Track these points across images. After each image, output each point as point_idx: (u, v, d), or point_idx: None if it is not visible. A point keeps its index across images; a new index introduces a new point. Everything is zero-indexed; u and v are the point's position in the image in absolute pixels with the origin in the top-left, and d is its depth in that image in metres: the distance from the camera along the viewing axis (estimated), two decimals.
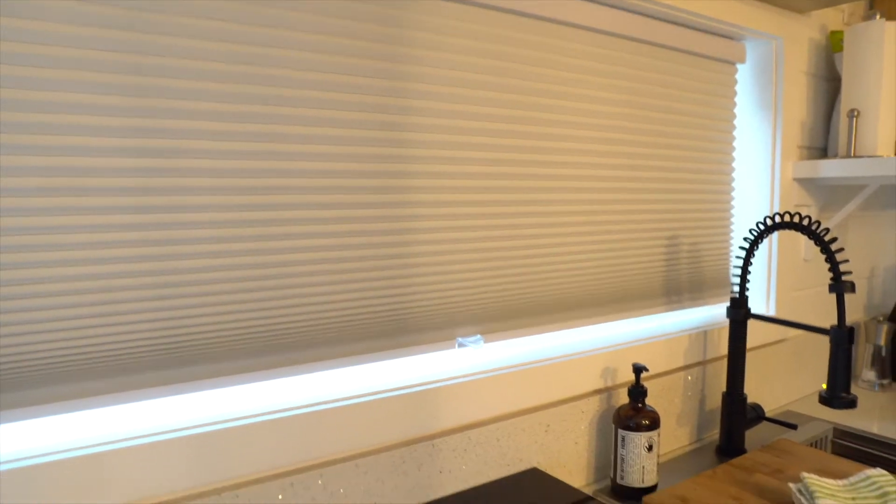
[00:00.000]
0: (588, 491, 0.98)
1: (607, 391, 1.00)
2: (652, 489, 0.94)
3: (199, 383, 0.71)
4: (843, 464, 1.00)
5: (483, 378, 0.86)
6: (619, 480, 0.94)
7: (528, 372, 0.90)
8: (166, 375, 0.69)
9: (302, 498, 0.74)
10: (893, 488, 0.84)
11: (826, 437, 1.25)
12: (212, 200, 0.69)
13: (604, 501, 0.94)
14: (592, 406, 0.99)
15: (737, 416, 1.07)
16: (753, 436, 1.19)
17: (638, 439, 0.91)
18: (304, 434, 0.74)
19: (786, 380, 1.36)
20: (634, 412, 0.93)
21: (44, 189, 0.61)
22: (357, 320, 0.80)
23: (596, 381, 0.98)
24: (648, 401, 1.06)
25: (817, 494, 0.83)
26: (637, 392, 0.93)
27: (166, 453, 0.66)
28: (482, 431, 0.87)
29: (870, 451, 1.22)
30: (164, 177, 0.66)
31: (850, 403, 0.91)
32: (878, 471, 0.87)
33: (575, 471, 0.98)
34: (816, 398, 1.41)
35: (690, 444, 1.15)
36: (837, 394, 0.90)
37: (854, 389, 1.47)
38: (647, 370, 0.93)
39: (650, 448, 0.92)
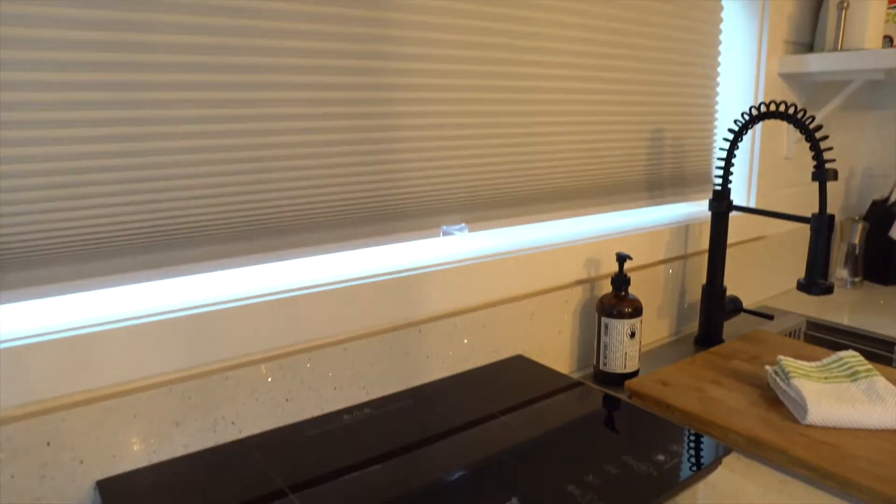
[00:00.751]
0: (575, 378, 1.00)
1: (590, 282, 1.01)
2: (633, 375, 0.96)
3: (185, 267, 0.70)
4: (817, 351, 1.03)
5: (468, 266, 0.86)
6: (601, 367, 0.96)
7: (512, 261, 0.91)
8: (154, 259, 0.68)
9: (290, 380, 0.75)
10: (863, 367, 0.87)
11: (800, 328, 1.29)
12: (191, 78, 0.66)
13: (591, 386, 0.96)
14: (576, 296, 1.00)
15: (716, 308, 1.10)
16: (730, 328, 1.22)
17: (621, 326, 0.93)
18: (291, 318, 0.73)
19: (763, 276, 1.39)
20: (617, 300, 0.94)
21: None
22: (341, 207, 0.78)
23: (579, 272, 0.99)
24: (631, 290, 1.07)
25: (792, 374, 0.86)
26: (620, 280, 0.94)
27: (155, 336, 0.66)
28: (468, 318, 0.88)
29: (840, 341, 1.26)
30: (141, 53, 0.63)
31: (828, 290, 0.93)
32: (850, 352, 0.90)
33: (559, 359, 1.00)
34: (791, 294, 1.45)
35: (670, 336, 1.18)
36: (815, 279, 0.92)
37: None
38: (630, 258, 0.94)
39: (633, 335, 0.93)
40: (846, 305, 1.38)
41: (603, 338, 0.95)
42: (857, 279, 1.50)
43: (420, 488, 0.60)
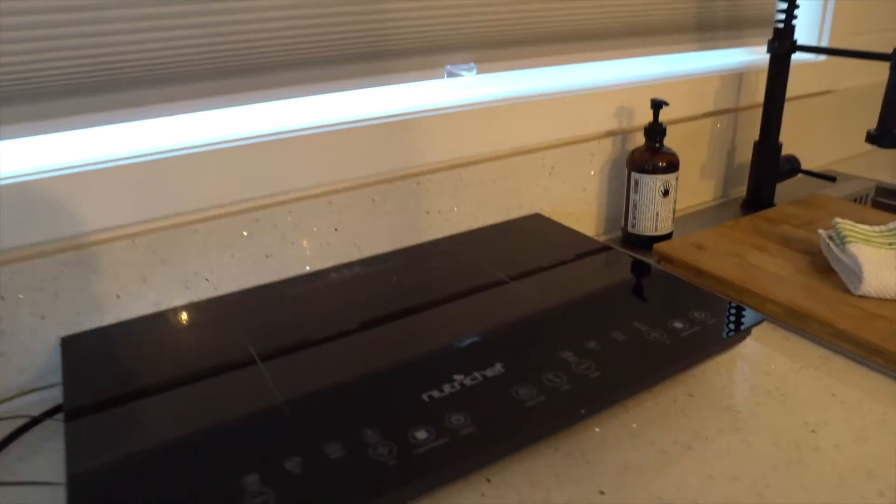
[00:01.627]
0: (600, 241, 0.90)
1: (622, 134, 0.89)
2: (665, 238, 0.86)
3: (150, 109, 0.62)
4: (884, 217, 0.90)
5: (476, 110, 0.75)
6: (630, 229, 0.86)
7: (528, 106, 0.79)
8: (115, 100, 0.60)
9: (270, 235, 0.68)
10: None
11: (867, 195, 1.15)
12: None
13: (618, 249, 0.86)
14: (604, 149, 0.88)
15: (768, 166, 0.96)
16: (785, 191, 1.08)
17: (652, 182, 0.81)
18: (268, 165, 0.65)
19: (829, 137, 1.23)
20: (651, 154, 0.82)
21: None
22: (331, 40, 0.67)
23: (609, 122, 0.87)
24: (671, 146, 0.94)
25: (849, 239, 0.74)
26: (654, 130, 0.82)
27: (110, 184, 0.59)
28: (475, 170, 0.78)
29: None
30: None
31: None
32: None
33: (583, 219, 0.90)
34: (862, 158, 1.28)
35: (714, 199, 1.06)
36: (891, 128, 0.77)
37: None
38: (666, 104, 0.81)
39: (666, 193, 0.82)
40: None
41: (632, 196, 0.84)
42: None
43: (399, 360, 0.54)
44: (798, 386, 0.59)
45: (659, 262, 0.82)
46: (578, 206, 0.88)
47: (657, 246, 0.81)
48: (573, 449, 0.52)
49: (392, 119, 0.70)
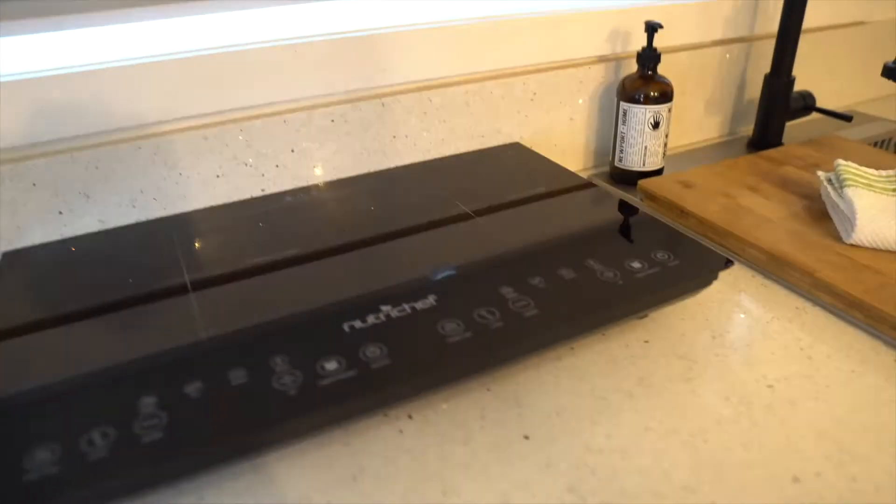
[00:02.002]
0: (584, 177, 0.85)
1: (616, 60, 0.83)
2: (655, 175, 0.80)
3: (90, 17, 0.58)
4: None
5: (450, 27, 0.70)
6: (617, 163, 0.81)
7: (509, 24, 0.73)
8: (50, 7, 0.56)
9: (219, 154, 0.64)
10: None
11: (890, 139, 1.06)
12: None
13: (600, 185, 0.81)
14: (595, 76, 0.82)
15: (777, 101, 0.89)
16: (798, 132, 1.01)
17: (641, 113, 0.76)
18: (217, 80, 0.61)
19: (857, 75, 1.13)
20: (642, 82, 0.76)
21: None
22: None
23: (600, 46, 0.80)
24: (673, 77, 0.88)
25: (848, 182, 0.68)
26: (647, 57, 0.75)
27: (57, 94, 0.56)
28: (446, 93, 0.73)
29: None
30: None
31: None
32: None
33: (569, 152, 0.84)
34: (892, 101, 1.19)
35: (721, 137, 0.99)
36: None
37: None
38: (661, 27, 0.74)
39: (656, 125, 0.76)
40: None
41: (620, 127, 0.78)
42: None
43: (331, 291, 0.51)
44: (765, 338, 0.55)
45: (642, 200, 0.77)
46: (565, 137, 0.83)
47: (641, 183, 0.76)
48: (507, 391, 0.49)
49: (356, 34, 0.66)
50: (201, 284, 0.52)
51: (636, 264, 0.53)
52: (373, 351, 0.43)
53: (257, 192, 0.68)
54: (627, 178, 0.80)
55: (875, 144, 1.04)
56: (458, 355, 0.43)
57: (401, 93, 0.70)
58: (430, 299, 0.49)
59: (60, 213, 0.61)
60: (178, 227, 0.60)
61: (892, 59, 0.71)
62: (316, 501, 0.40)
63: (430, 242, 0.57)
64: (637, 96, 0.75)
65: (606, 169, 0.87)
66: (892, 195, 0.68)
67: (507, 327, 0.46)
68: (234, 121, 0.64)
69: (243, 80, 0.62)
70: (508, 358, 0.46)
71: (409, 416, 0.47)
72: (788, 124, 1.03)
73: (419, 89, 0.71)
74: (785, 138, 0.94)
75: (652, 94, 0.75)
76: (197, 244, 0.58)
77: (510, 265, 0.53)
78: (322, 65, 0.65)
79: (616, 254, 0.54)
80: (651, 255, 0.54)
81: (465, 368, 0.45)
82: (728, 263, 0.54)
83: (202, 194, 0.65)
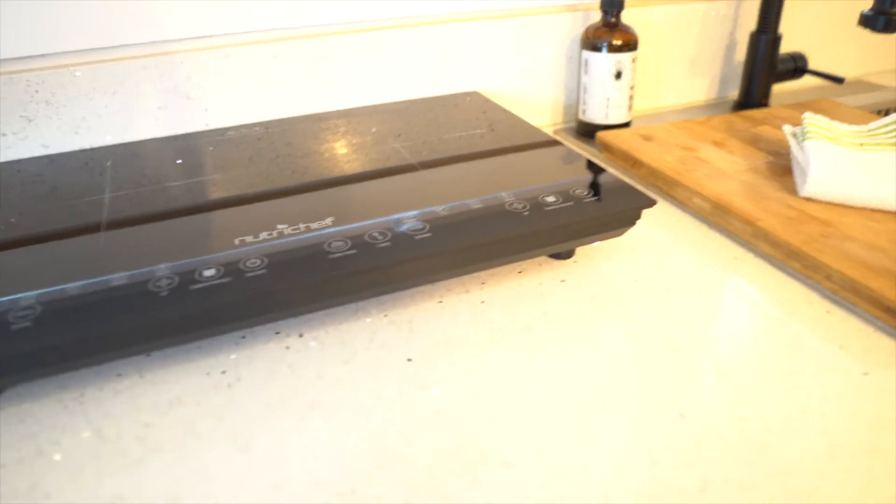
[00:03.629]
0: (548, 132, 0.83)
1: (585, 12, 0.80)
2: (620, 128, 0.78)
3: None
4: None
5: None
6: (581, 115, 0.79)
7: None
8: None
9: (159, 85, 0.64)
10: None
11: (891, 109, 1.01)
12: None
13: (562, 140, 0.79)
14: (562, 26, 0.80)
15: (763, 61, 0.85)
16: (792, 97, 0.97)
17: (603, 63, 0.73)
18: (155, 9, 0.61)
19: (867, 43, 1.07)
20: (606, 30, 0.73)
21: None
22: None
23: None
24: (652, 34, 0.85)
25: (810, 135, 0.65)
26: (610, 3, 0.73)
27: None
28: (398, 35, 0.72)
29: None
30: None
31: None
32: None
33: (534, 106, 0.82)
34: None
35: (707, 100, 0.95)
36: (886, 7, 0.66)
37: None
38: None
39: (619, 75, 0.74)
40: None
41: (583, 77, 0.76)
42: None
43: (239, 213, 0.50)
44: (693, 285, 0.52)
45: (601, 153, 0.75)
46: (529, 89, 0.81)
47: (600, 134, 0.74)
48: (403, 318, 0.48)
49: None
50: (118, 225, 0.51)
51: (550, 198, 0.51)
52: (253, 262, 0.43)
53: (201, 126, 0.68)
54: (590, 131, 0.78)
55: (878, 113, 0.99)
56: (337, 270, 0.43)
57: (348, 32, 0.69)
58: (328, 221, 0.48)
59: (4, 135, 0.62)
60: (115, 157, 0.61)
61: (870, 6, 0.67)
62: (186, 401, 0.40)
63: (362, 191, 0.56)
64: (599, 45, 0.73)
65: (574, 125, 0.84)
66: (858, 149, 0.64)
67: (394, 248, 0.45)
68: (174, 52, 0.64)
69: (183, 11, 0.62)
70: (394, 280, 0.45)
71: (300, 335, 0.47)
72: (783, 90, 0.99)
73: (368, 30, 0.70)
74: (777, 103, 0.90)
75: (615, 42, 0.73)
76: (129, 177, 0.58)
77: (419, 192, 0.52)
78: None
79: (534, 190, 0.52)
80: (570, 191, 0.52)
81: (344, 285, 0.44)
82: (650, 203, 0.52)
83: (144, 125, 0.65)
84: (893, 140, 0.65)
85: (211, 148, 0.62)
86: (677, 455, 0.36)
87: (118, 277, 0.42)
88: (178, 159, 0.60)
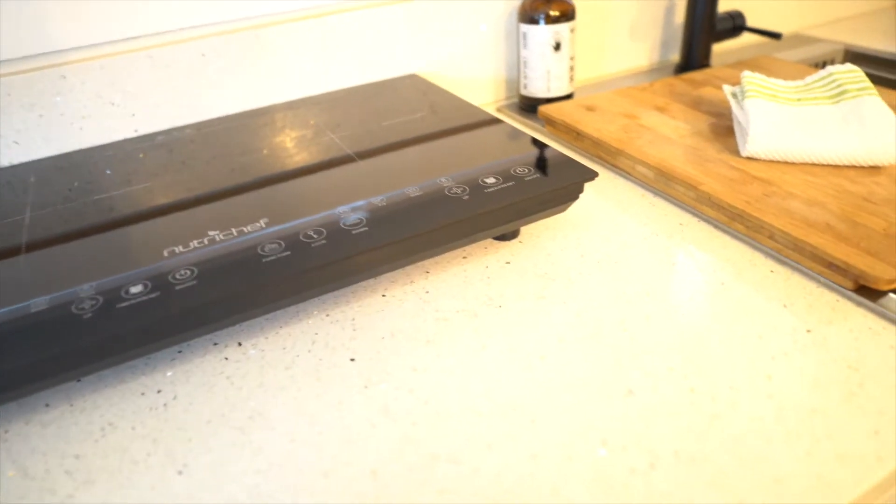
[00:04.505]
0: (491, 109, 0.82)
1: None
2: (563, 100, 0.77)
3: None
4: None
5: None
6: (522, 90, 0.77)
7: None
8: None
9: (80, 93, 0.62)
10: (856, 85, 0.64)
11: (832, 60, 1.01)
12: None
13: (504, 118, 0.78)
14: (498, 2, 0.78)
15: (702, 21, 0.85)
16: (732, 57, 0.97)
17: (541, 35, 0.72)
18: (71, 11, 0.58)
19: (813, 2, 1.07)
20: (542, 2, 0.72)
21: None
22: None
23: None
24: (590, 2, 0.84)
25: (749, 94, 0.64)
26: None
27: None
28: (328, 22, 0.70)
29: (885, 75, 0.99)
30: None
31: None
32: (846, 66, 0.66)
33: (476, 85, 0.81)
34: (843, 24, 1.13)
35: (649, 66, 0.95)
36: None
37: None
38: None
39: (558, 47, 0.73)
40: None
41: (522, 52, 0.75)
42: None
43: (166, 222, 0.48)
44: (639, 255, 0.52)
45: (545, 127, 0.74)
46: (468, 66, 0.79)
47: (542, 108, 0.73)
48: (346, 316, 0.47)
49: None
50: (38, 246, 0.49)
51: (490, 180, 0.50)
52: (183, 273, 0.41)
53: (131, 134, 0.65)
54: (534, 107, 0.77)
55: (817, 66, 1.00)
56: (271, 273, 0.41)
57: (275, 24, 0.67)
58: (262, 223, 0.46)
59: None
60: (38, 173, 0.58)
61: None
62: (120, 426, 0.39)
63: (278, 160, 0.54)
64: (536, 17, 0.72)
65: (517, 100, 0.83)
66: (795, 104, 0.64)
67: (330, 246, 0.43)
68: (94, 58, 0.61)
69: (99, 12, 0.59)
70: (333, 278, 0.44)
71: (239, 344, 0.45)
72: (724, 49, 0.99)
73: (298, 19, 0.68)
74: (719, 63, 0.90)
75: (552, 13, 0.71)
76: (52, 194, 0.55)
77: (355, 186, 0.50)
78: None
79: (474, 172, 0.51)
80: (510, 170, 0.51)
81: (281, 288, 0.42)
82: (591, 176, 0.51)
83: (69, 137, 0.63)
84: (829, 93, 0.65)
85: (141, 155, 0.60)
86: (626, 434, 0.36)
87: (38, 302, 0.40)
88: (107, 170, 0.58)
